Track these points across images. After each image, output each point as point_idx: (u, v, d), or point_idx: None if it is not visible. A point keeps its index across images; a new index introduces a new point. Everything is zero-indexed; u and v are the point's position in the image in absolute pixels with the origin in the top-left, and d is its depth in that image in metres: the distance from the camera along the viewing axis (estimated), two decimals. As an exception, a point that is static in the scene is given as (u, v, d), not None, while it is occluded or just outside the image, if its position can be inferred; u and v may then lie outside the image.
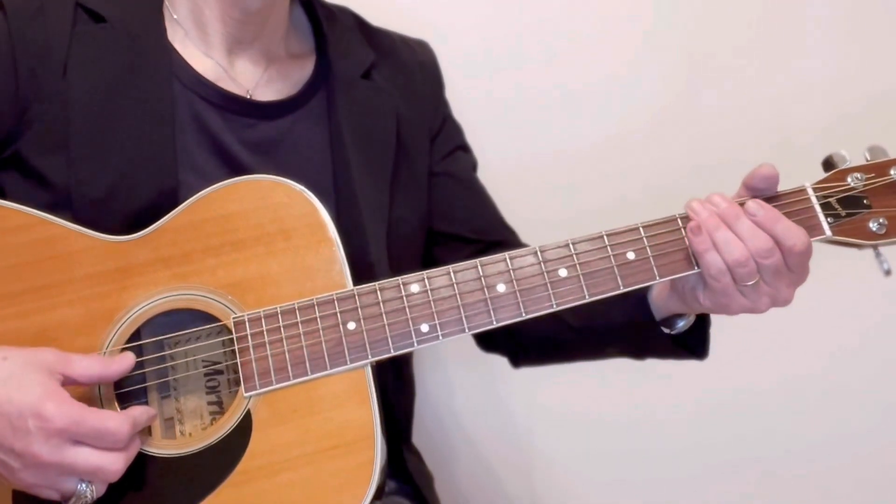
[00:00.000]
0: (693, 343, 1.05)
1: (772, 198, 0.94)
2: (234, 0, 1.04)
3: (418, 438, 1.21)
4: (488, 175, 1.26)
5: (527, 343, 1.18)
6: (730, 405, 1.59)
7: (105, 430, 0.80)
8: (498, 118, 1.51)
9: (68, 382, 0.83)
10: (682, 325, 1.03)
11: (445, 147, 1.21)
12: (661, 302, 1.02)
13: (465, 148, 1.26)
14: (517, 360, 1.23)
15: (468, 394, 1.60)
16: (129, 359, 0.87)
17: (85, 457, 0.80)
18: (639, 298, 1.02)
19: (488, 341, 1.24)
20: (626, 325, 1.04)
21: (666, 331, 1.04)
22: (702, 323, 1.05)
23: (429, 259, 1.17)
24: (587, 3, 1.54)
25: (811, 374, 1.59)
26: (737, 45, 1.55)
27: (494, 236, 1.18)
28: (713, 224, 0.91)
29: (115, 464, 0.81)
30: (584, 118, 1.54)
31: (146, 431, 0.90)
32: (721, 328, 1.06)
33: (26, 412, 0.79)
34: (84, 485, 0.81)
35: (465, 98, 1.29)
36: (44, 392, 0.80)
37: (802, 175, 0.96)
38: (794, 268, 0.91)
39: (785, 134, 1.51)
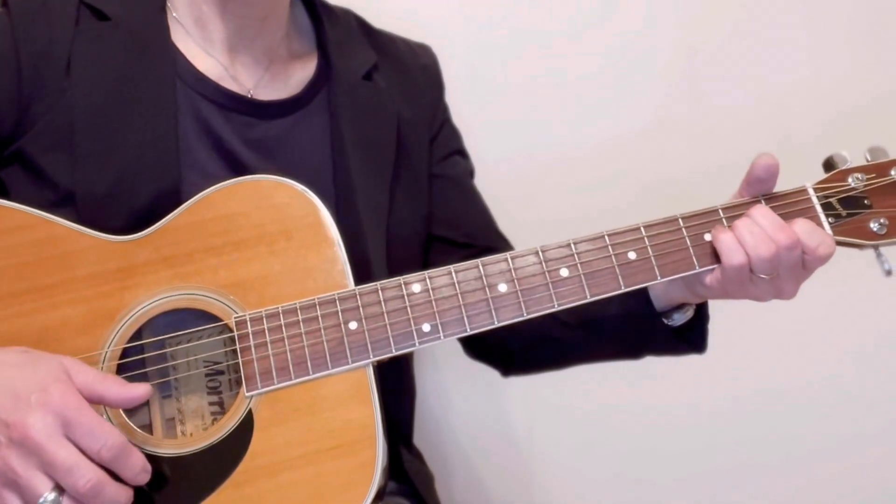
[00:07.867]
0: (692, 336, 1.05)
1: (772, 197, 0.94)
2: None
3: (417, 439, 1.21)
4: (489, 176, 1.26)
5: (517, 347, 1.16)
6: (730, 407, 1.59)
7: (100, 429, 0.78)
8: (499, 120, 1.51)
9: None
10: (679, 317, 1.03)
11: (442, 151, 1.21)
12: (661, 289, 1.01)
13: (462, 153, 1.25)
14: (507, 367, 1.22)
15: (467, 394, 1.60)
16: (141, 389, 0.84)
17: (69, 452, 0.77)
18: (638, 289, 1.02)
19: (476, 350, 1.23)
20: (625, 316, 1.03)
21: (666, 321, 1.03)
22: (700, 317, 1.04)
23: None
24: (588, 5, 1.55)
25: (811, 376, 1.59)
26: (738, 45, 1.55)
27: (486, 242, 1.17)
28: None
29: (90, 472, 0.77)
30: (584, 119, 1.54)
31: (147, 431, 0.90)
32: (721, 330, 1.06)
33: (33, 387, 0.79)
34: (52, 495, 0.77)
35: (465, 100, 1.29)
36: (55, 377, 0.80)
37: (803, 175, 0.96)
38: (808, 267, 0.92)
39: (786, 134, 1.51)
